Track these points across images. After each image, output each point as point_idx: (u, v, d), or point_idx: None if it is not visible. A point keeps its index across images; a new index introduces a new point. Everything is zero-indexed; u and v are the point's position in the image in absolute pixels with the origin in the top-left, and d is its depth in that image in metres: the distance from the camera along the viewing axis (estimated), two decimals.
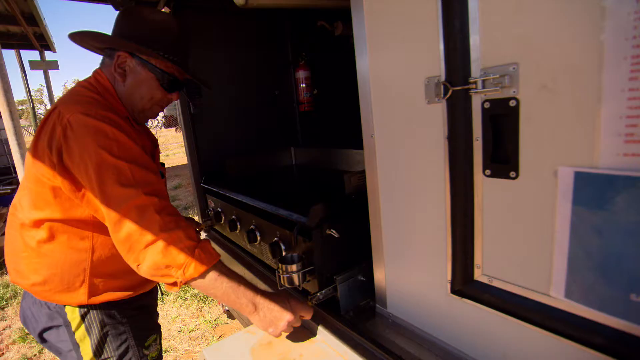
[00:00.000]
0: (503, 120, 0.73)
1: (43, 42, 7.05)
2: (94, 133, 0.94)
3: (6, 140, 7.87)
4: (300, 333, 1.24)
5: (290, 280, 1.21)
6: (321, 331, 1.23)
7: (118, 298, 1.18)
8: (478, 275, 0.85)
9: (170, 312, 3.31)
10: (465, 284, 0.87)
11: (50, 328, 1.14)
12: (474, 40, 0.74)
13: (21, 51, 9.02)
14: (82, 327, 1.13)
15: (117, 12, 1.16)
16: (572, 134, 0.63)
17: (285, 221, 1.36)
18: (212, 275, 0.98)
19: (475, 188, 0.81)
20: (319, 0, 1.49)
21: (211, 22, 2.24)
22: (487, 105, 0.74)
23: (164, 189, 1.03)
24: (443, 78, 0.80)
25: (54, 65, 6.68)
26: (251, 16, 2.35)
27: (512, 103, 0.70)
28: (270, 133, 2.52)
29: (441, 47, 0.78)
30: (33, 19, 6.04)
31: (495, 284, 0.82)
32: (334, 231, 1.21)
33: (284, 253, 1.35)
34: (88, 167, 0.93)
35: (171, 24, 1.15)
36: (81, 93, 1.07)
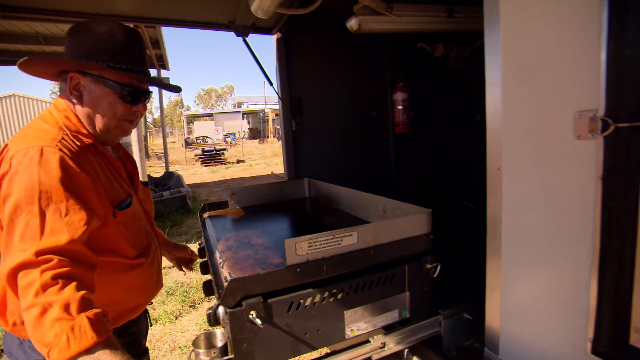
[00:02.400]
0: None
1: (161, 62, 8.21)
2: (20, 176, 0.86)
3: (127, 144, 9.23)
4: None
5: None
6: None
7: None
8: (635, 341, 0.73)
9: None
10: (614, 347, 0.76)
11: None
12: None
13: None
14: None
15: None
16: None
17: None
18: None
19: (639, 236, 0.70)
20: (434, 24, 1.48)
21: (317, 45, 2.38)
22: None
23: (76, 249, 0.86)
24: (602, 113, 0.72)
25: (167, 80, 7.73)
26: (353, 39, 2.43)
27: None
28: (364, 153, 2.55)
29: (602, 78, 0.71)
30: (157, 43, 7.07)
31: None
32: (256, 318, 0.93)
33: (218, 328, 1.06)
34: (6, 211, 0.86)
35: (115, 31, 1.04)
36: (32, 127, 1.00)
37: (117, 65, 1.03)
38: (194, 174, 13.25)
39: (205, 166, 15.29)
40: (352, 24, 1.63)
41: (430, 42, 2.47)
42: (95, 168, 1.02)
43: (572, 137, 0.78)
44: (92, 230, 0.94)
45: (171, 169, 9.86)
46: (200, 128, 27.73)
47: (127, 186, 1.16)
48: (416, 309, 1.18)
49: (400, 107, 2.44)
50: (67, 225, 0.86)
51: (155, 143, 26.71)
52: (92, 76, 1.03)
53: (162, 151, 11.47)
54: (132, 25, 1.25)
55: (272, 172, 11.66)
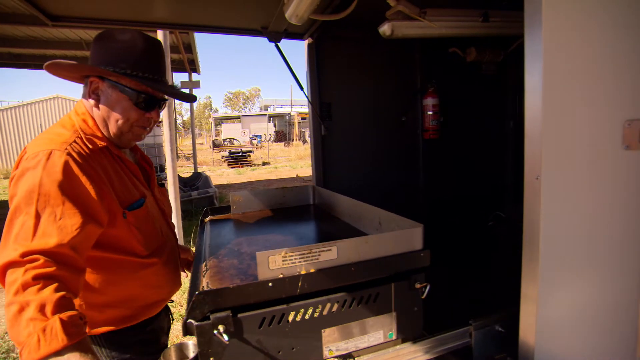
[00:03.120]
0: None
1: (192, 66, 8.50)
2: (26, 178, 0.90)
3: (159, 145, 9.59)
4: None
5: None
6: None
7: (120, 327, 1.11)
8: None
9: None
10: None
11: None
12: None
13: (174, 73, 11.09)
14: None
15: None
16: None
17: None
18: None
19: None
20: (469, 29, 1.46)
21: (347, 50, 2.39)
22: None
23: (63, 252, 0.87)
24: None
25: (197, 84, 8.00)
26: (384, 44, 2.43)
27: None
28: (393, 158, 2.53)
29: None
30: (189, 48, 7.34)
31: None
32: (223, 333, 0.88)
33: (192, 339, 1.01)
34: (9, 210, 0.89)
35: (137, 41, 1.08)
36: (50, 131, 1.04)
37: (134, 73, 1.07)
38: (220, 175, 13.58)
39: (232, 167, 15.65)
40: (385, 29, 1.63)
41: (463, 46, 2.43)
42: (107, 170, 1.05)
43: (620, 146, 0.75)
44: (95, 232, 0.96)
45: (199, 170, 10.14)
46: (228, 130, 28.38)
47: (142, 187, 1.19)
48: (404, 331, 1.11)
49: (430, 113, 2.41)
50: (58, 229, 0.88)
51: (184, 144, 27.55)
52: (110, 82, 1.08)
53: (191, 152, 11.84)
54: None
55: (297, 175, 11.77)
